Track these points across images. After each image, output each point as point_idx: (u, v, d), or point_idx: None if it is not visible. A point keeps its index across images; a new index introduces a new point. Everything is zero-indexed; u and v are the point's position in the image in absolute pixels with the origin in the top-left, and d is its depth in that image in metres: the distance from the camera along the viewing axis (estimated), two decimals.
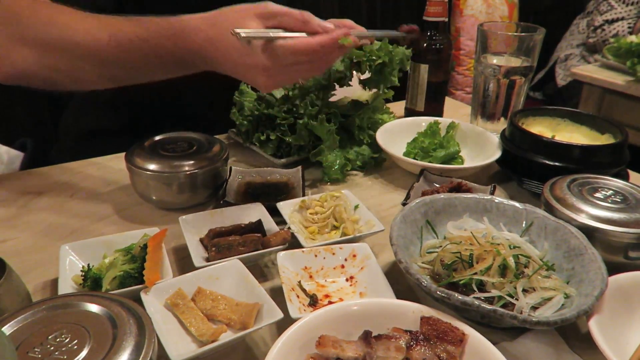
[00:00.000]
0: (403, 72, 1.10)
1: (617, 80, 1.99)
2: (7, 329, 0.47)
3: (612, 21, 2.41)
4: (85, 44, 0.79)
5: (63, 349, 0.45)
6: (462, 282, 0.63)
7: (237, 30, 0.69)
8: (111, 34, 0.78)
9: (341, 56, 0.85)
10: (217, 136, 1.04)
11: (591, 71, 2.11)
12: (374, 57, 1.01)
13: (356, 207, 0.83)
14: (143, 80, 0.86)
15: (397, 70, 1.05)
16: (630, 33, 2.36)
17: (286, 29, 0.74)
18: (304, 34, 0.73)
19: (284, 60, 0.73)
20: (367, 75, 1.06)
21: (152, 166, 0.84)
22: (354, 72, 1.04)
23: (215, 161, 0.87)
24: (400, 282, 0.68)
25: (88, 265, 0.67)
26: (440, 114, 1.26)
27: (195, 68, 0.82)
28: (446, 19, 1.20)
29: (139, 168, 0.84)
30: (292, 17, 0.74)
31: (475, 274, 0.63)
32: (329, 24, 0.75)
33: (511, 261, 0.63)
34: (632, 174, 0.98)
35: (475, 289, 0.62)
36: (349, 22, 0.79)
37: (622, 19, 2.40)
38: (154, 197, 0.86)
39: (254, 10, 0.74)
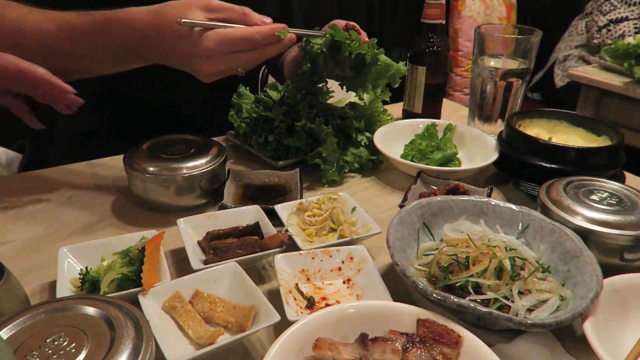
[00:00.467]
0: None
1: (615, 81, 1.99)
2: (5, 332, 0.47)
3: (617, 21, 2.40)
4: (35, 36, 0.81)
5: (61, 352, 0.45)
6: (458, 284, 0.63)
7: (182, 20, 0.76)
8: (59, 26, 0.81)
9: (281, 51, 0.84)
10: (214, 138, 1.04)
11: (589, 72, 2.12)
12: (356, 45, 0.93)
13: (353, 209, 0.83)
14: (93, 73, 0.88)
15: (385, 83, 0.99)
16: (637, 33, 2.35)
17: (228, 22, 0.80)
18: (244, 26, 0.80)
19: (224, 48, 0.78)
20: (346, 68, 0.97)
21: (151, 168, 0.84)
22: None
23: (214, 163, 0.87)
24: (396, 284, 0.69)
25: (86, 268, 0.67)
26: (437, 116, 1.26)
27: (142, 59, 0.85)
28: (444, 21, 1.20)
29: (137, 170, 0.84)
30: (233, 11, 0.80)
31: (472, 276, 0.63)
32: (267, 18, 0.83)
33: (507, 263, 0.63)
34: (628, 176, 0.99)
35: (472, 291, 0.62)
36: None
37: (627, 18, 2.40)
38: (152, 200, 0.87)
39: (197, 4, 0.79)
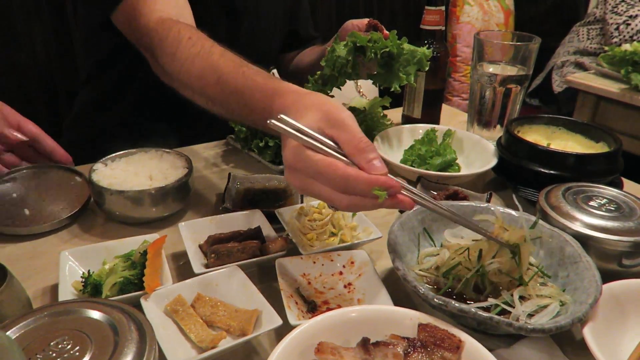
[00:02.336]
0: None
1: (612, 88, 2.00)
2: (10, 335, 0.47)
3: (636, 16, 2.37)
4: (197, 84, 0.80)
5: (65, 355, 0.46)
6: (468, 276, 0.64)
7: (273, 121, 0.60)
8: (218, 79, 0.77)
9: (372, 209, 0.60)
10: (216, 142, 1.05)
11: (586, 79, 2.13)
12: (379, 44, 0.95)
13: (354, 214, 0.83)
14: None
15: (415, 69, 1.01)
16: None
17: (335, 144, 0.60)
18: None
19: (302, 166, 0.59)
20: (373, 67, 1.00)
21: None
22: (354, 81, 1.02)
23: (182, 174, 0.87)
24: (397, 289, 0.69)
25: (88, 271, 0.67)
26: (437, 121, 1.27)
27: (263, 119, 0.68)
28: (443, 28, 1.21)
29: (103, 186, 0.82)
30: (349, 137, 0.59)
31: (481, 267, 0.64)
32: (383, 167, 0.58)
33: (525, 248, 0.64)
34: (626, 182, 0.99)
35: (473, 293, 0.63)
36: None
37: None
38: (117, 214, 0.84)
39: (316, 113, 0.60)
